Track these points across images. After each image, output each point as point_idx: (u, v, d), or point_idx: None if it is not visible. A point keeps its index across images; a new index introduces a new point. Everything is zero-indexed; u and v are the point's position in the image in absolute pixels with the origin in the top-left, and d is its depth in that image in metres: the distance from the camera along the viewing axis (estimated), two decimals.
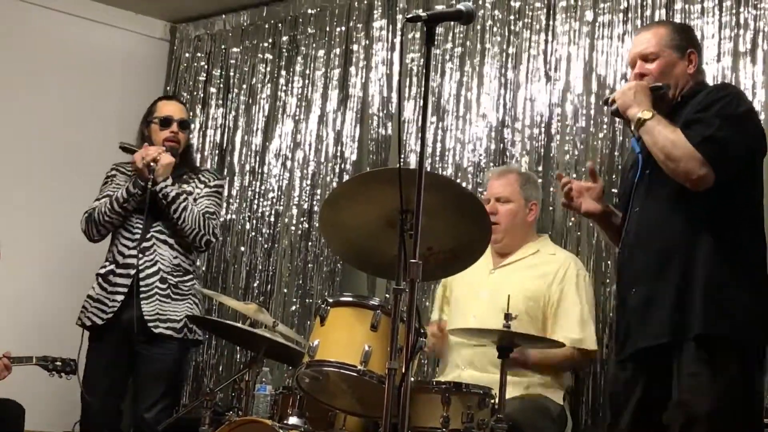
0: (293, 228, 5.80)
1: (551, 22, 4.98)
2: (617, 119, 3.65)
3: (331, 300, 3.55)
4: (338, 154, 5.71)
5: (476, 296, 4.33)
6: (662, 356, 3.26)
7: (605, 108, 3.84)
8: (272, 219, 5.94)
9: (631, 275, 3.41)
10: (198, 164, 6.19)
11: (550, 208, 4.76)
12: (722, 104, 3.30)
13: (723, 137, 3.24)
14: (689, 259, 3.25)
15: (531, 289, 4.26)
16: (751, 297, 3.25)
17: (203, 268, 6.13)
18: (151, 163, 4.64)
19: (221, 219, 5.63)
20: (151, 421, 4.55)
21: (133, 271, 4.68)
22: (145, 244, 4.70)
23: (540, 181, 4.76)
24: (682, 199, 3.29)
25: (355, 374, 3.36)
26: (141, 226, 4.71)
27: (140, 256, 4.68)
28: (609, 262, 4.52)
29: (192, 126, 5.08)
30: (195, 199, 4.81)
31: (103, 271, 4.76)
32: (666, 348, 3.25)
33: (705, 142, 3.22)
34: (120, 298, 4.66)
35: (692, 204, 3.27)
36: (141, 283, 4.65)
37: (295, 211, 5.81)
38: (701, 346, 3.18)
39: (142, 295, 4.63)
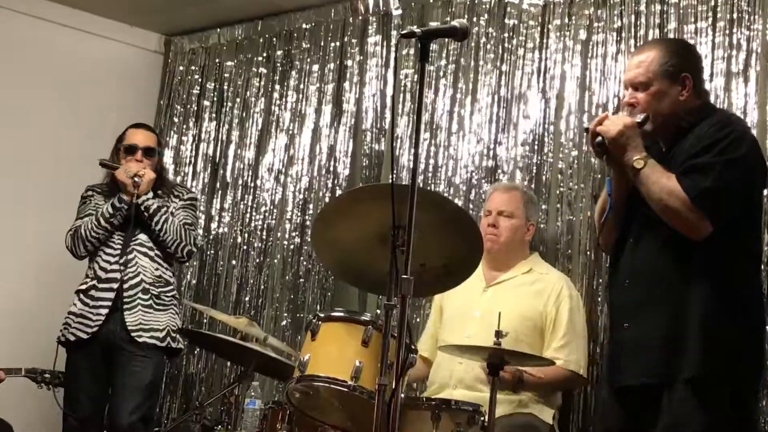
0: (285, 242, 5.79)
1: (545, 41, 5.00)
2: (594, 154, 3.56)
3: (322, 315, 3.55)
4: (331, 169, 5.71)
5: (470, 315, 4.33)
6: (652, 391, 3.23)
7: (585, 136, 3.76)
8: (264, 233, 5.93)
9: (625, 309, 3.36)
10: (185, 178, 6.25)
11: (542, 225, 4.76)
12: (722, 146, 3.20)
13: (720, 188, 3.17)
14: (684, 296, 3.20)
15: (526, 308, 4.26)
16: (745, 335, 3.20)
17: (194, 282, 6.13)
18: (136, 178, 4.72)
19: (200, 231, 5.68)
20: (125, 427, 4.56)
21: (116, 285, 4.73)
22: (127, 257, 4.76)
23: None
24: (678, 236, 3.23)
25: (345, 389, 3.35)
26: (122, 241, 4.79)
27: (122, 269, 4.72)
28: (600, 281, 4.53)
29: (159, 153, 5.09)
30: (172, 213, 4.89)
31: (84, 287, 4.80)
32: (657, 384, 3.22)
33: (702, 195, 3.15)
34: (104, 312, 4.71)
35: (688, 241, 3.21)
36: (124, 294, 4.70)
37: (287, 225, 5.81)
38: (694, 384, 3.14)
39: (124, 307, 4.68)
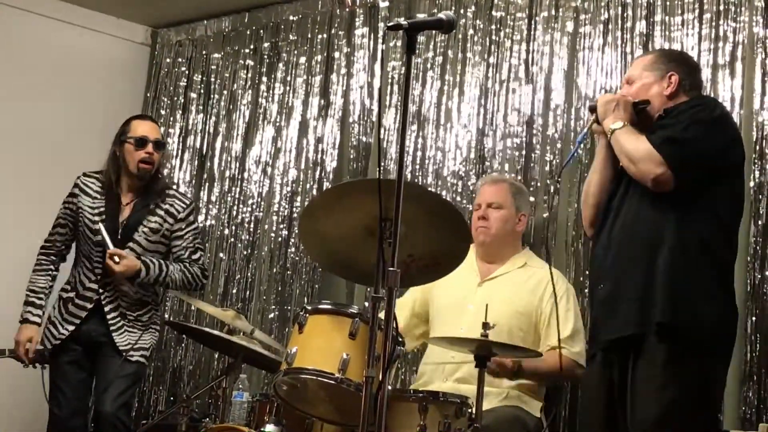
0: (273, 235, 5.79)
1: (532, 33, 5.01)
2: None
3: (309, 307, 3.54)
4: (318, 161, 5.71)
5: (464, 309, 4.32)
6: (628, 350, 3.32)
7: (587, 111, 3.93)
8: (252, 226, 5.93)
9: (601, 271, 3.48)
10: (172, 171, 6.18)
11: (532, 218, 4.77)
12: (694, 111, 3.40)
13: (684, 138, 3.32)
14: (655, 255, 3.31)
15: (522, 303, 4.25)
16: (712, 297, 3.30)
17: None
18: (115, 257, 4.54)
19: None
20: (110, 413, 4.54)
21: (90, 305, 4.65)
22: (107, 280, 4.65)
23: None
24: (654, 200, 3.36)
25: (332, 382, 3.35)
26: (101, 260, 4.64)
27: (101, 291, 4.65)
28: (586, 273, 4.53)
29: (167, 146, 4.99)
30: (165, 236, 4.74)
31: (65, 295, 4.74)
32: (631, 341, 3.31)
33: (664, 142, 3.32)
34: (70, 328, 4.65)
35: (664, 205, 3.34)
36: (108, 316, 4.63)
37: (274, 218, 5.81)
38: (662, 341, 3.23)
39: (111, 327, 4.63)
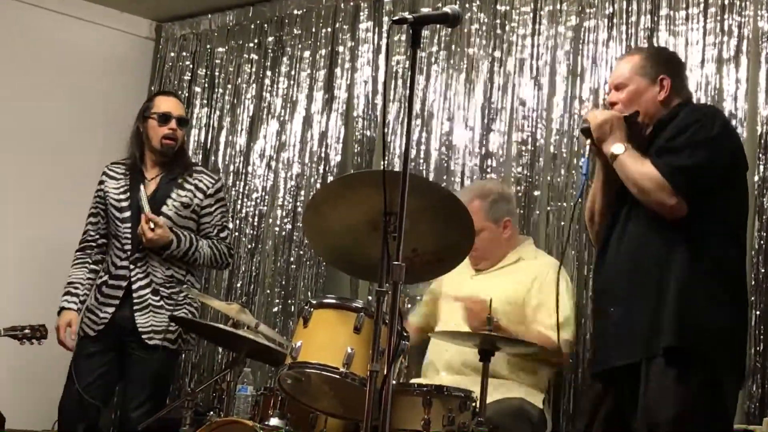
0: (277, 229, 5.79)
1: (537, 27, 5.00)
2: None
3: (314, 301, 3.55)
4: (323, 155, 5.70)
5: (457, 303, 4.33)
6: (635, 372, 3.29)
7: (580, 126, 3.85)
8: (256, 220, 5.93)
9: (610, 294, 3.44)
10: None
11: (536, 212, 4.76)
12: (694, 129, 3.33)
13: (692, 165, 3.27)
14: (665, 277, 3.28)
15: (511, 293, 4.25)
16: (724, 313, 3.27)
17: None
18: (151, 224, 4.54)
19: (230, 225, 5.44)
20: (135, 420, 4.52)
21: (124, 283, 4.62)
22: (137, 255, 4.63)
23: (525, 185, 4.81)
24: (660, 218, 3.32)
25: (337, 376, 3.36)
26: (130, 237, 4.64)
27: (132, 267, 4.63)
28: (591, 267, 4.53)
29: (189, 123, 4.97)
30: (195, 211, 4.72)
31: (99, 281, 4.73)
32: (638, 364, 3.28)
33: (674, 172, 3.27)
34: (110, 310, 4.62)
35: (669, 222, 3.31)
36: (134, 294, 4.60)
37: (279, 212, 5.81)
38: (671, 359, 3.21)
39: (135, 307, 4.59)
